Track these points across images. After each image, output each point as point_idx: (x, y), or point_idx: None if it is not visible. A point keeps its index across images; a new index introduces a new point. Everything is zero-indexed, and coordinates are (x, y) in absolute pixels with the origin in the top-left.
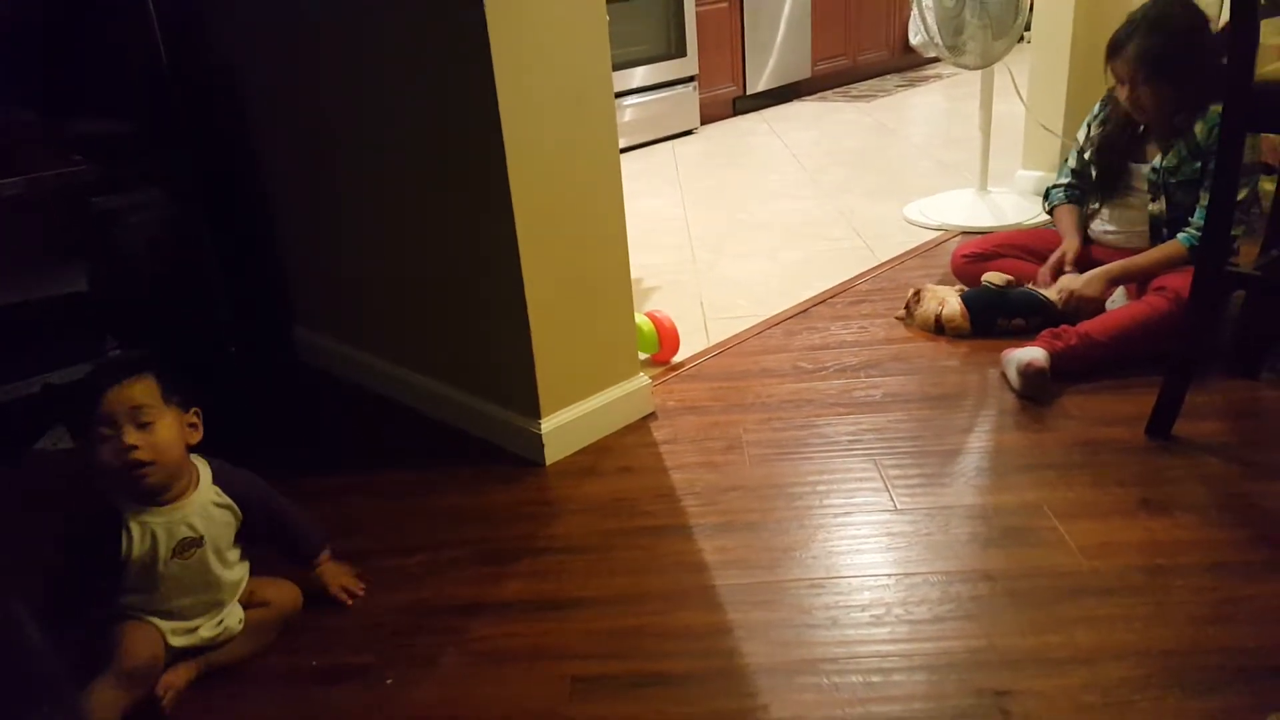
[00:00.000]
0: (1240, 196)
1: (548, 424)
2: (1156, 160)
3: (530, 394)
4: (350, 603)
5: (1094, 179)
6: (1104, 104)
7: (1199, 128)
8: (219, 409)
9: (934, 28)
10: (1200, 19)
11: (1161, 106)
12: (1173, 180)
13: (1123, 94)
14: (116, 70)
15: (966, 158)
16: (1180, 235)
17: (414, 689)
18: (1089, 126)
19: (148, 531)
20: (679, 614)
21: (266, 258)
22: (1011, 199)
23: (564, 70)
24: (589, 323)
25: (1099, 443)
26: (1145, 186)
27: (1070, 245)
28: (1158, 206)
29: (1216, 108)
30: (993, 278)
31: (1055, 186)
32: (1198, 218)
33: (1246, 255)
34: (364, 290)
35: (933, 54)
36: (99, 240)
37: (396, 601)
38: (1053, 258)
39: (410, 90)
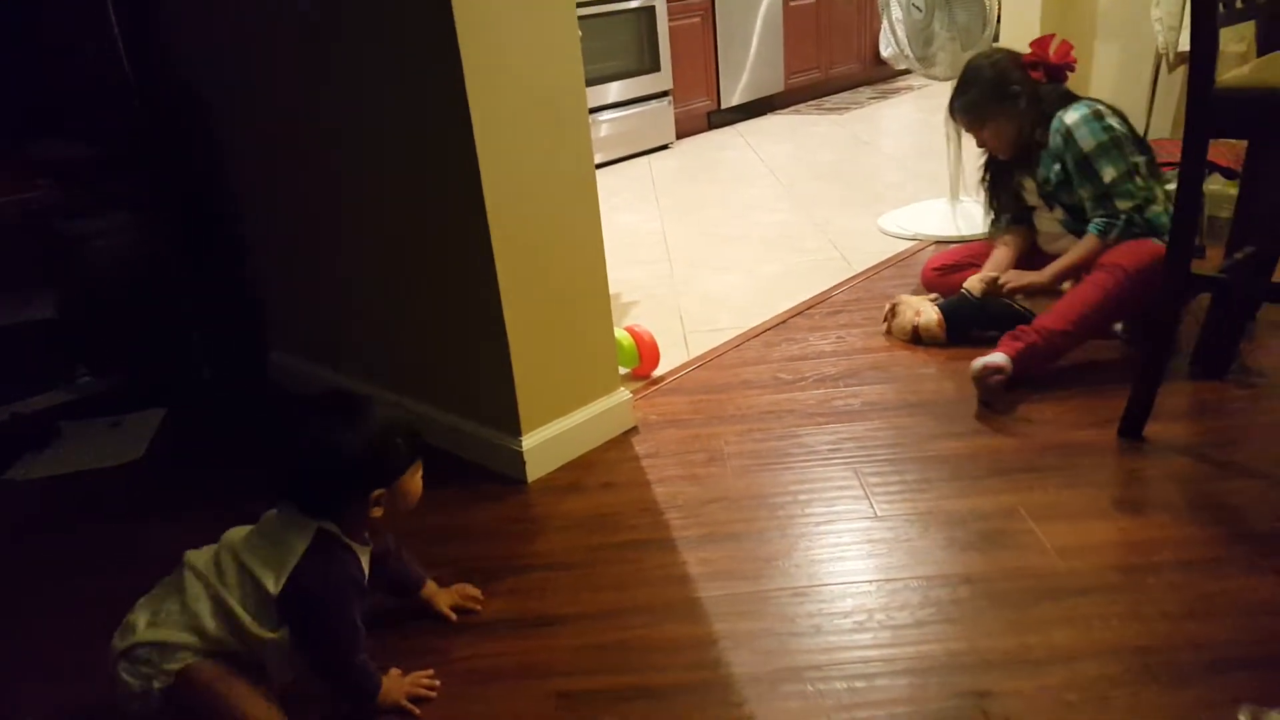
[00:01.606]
0: (1138, 160)
1: (529, 441)
2: (1038, 175)
3: (511, 411)
4: None
5: (993, 205)
6: None
7: (1051, 136)
8: (192, 434)
9: (904, 40)
10: (998, 65)
11: (1006, 139)
12: (1050, 189)
13: (976, 140)
14: (82, 93)
15: (939, 168)
16: (1089, 227)
17: (398, 711)
18: None
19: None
20: (664, 627)
21: (239, 280)
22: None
23: (537, 86)
24: (568, 339)
25: (1072, 445)
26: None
27: (989, 271)
28: (1059, 214)
29: (1060, 113)
30: (972, 285)
31: (998, 216)
32: (1092, 207)
33: (1213, 259)
34: (339, 311)
35: (904, 66)
36: (67, 265)
37: (378, 621)
38: (985, 276)
39: (382, 109)
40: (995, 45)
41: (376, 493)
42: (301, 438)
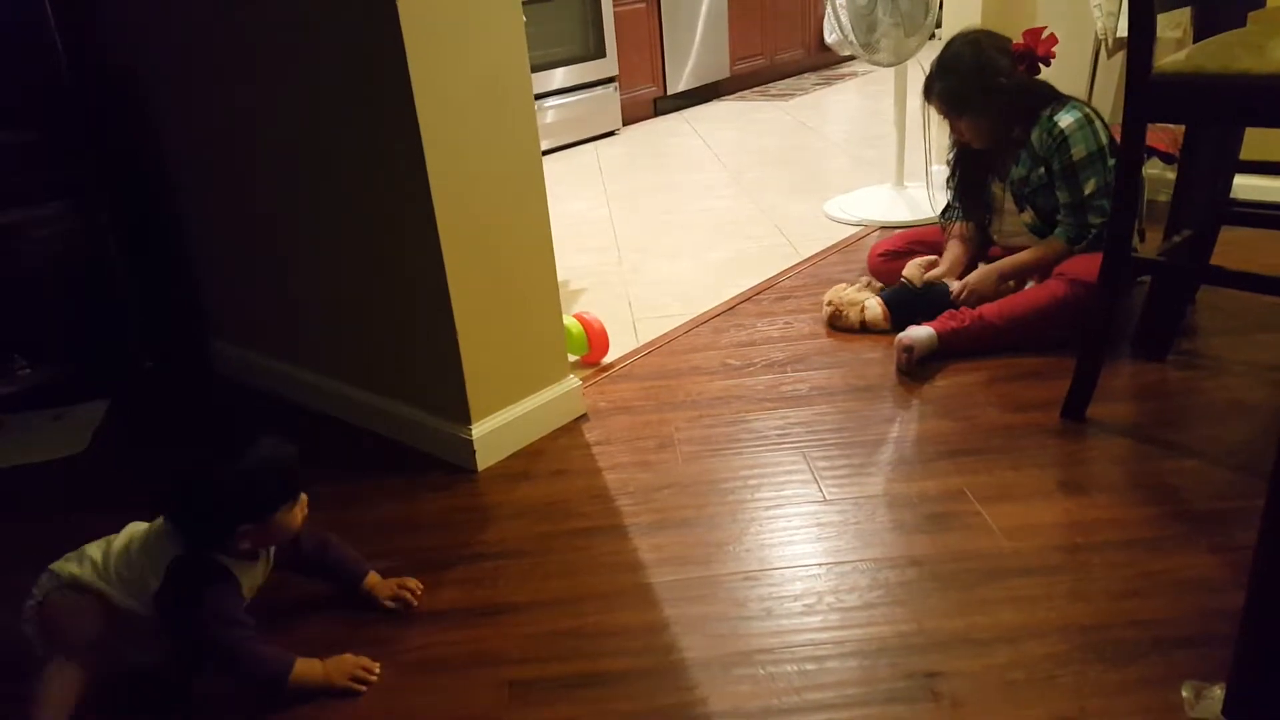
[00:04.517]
0: (1092, 189)
1: (478, 430)
2: (1012, 173)
3: (460, 400)
4: None
5: (957, 197)
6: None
7: (1035, 135)
8: (135, 427)
9: (848, 26)
10: (984, 51)
11: (984, 132)
12: (1027, 189)
13: (950, 129)
14: (13, 79)
15: (883, 154)
16: (1057, 231)
17: (349, 703)
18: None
19: (244, 580)
20: (616, 613)
21: (180, 270)
22: (928, 193)
23: (482, 71)
24: (517, 326)
25: (1017, 427)
26: (1008, 198)
27: (942, 268)
28: (1028, 216)
29: (1046, 111)
30: (911, 273)
31: (952, 205)
32: (1065, 214)
33: (1152, 242)
34: (285, 301)
35: (848, 52)
36: (2, 255)
37: (328, 615)
38: (922, 260)
39: (325, 96)
40: (976, 26)
41: (244, 528)
42: (177, 468)
